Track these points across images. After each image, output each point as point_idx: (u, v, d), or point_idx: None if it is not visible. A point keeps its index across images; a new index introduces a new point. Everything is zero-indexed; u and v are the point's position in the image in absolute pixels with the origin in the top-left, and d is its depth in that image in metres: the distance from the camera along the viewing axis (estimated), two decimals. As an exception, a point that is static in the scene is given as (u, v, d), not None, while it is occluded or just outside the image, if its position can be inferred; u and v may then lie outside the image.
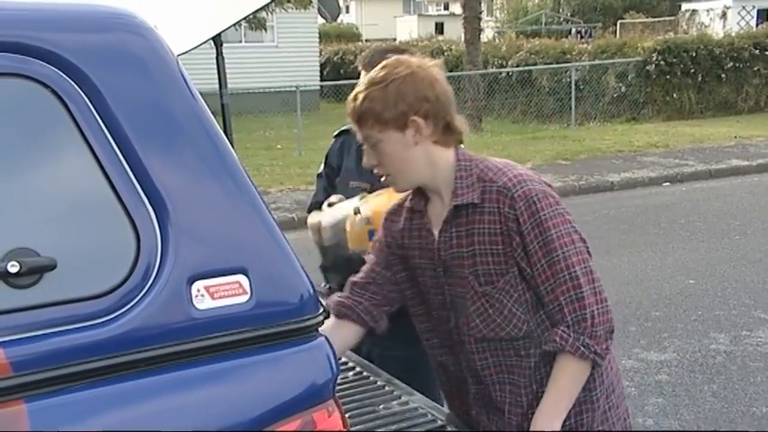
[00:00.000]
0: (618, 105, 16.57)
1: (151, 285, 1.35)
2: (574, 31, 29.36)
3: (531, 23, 31.84)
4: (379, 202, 2.34)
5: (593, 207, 9.32)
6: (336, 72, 21.49)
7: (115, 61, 1.39)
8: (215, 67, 2.82)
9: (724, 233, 7.79)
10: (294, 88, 14.56)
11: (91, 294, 1.32)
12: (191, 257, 1.38)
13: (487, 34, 27.18)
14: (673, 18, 27.75)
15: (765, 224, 8.10)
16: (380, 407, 2.23)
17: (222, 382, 1.38)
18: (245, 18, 3.10)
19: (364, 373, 2.46)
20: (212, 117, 1.47)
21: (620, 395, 2.08)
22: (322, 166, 2.94)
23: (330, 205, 2.63)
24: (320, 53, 22.64)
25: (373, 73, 1.93)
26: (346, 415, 1.58)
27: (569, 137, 14.40)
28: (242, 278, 1.41)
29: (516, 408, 1.99)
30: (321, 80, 20.72)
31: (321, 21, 22.32)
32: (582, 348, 1.84)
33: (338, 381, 1.54)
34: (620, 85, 16.56)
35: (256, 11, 3.04)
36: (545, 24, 31.34)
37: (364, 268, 2.15)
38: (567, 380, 1.90)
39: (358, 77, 2.71)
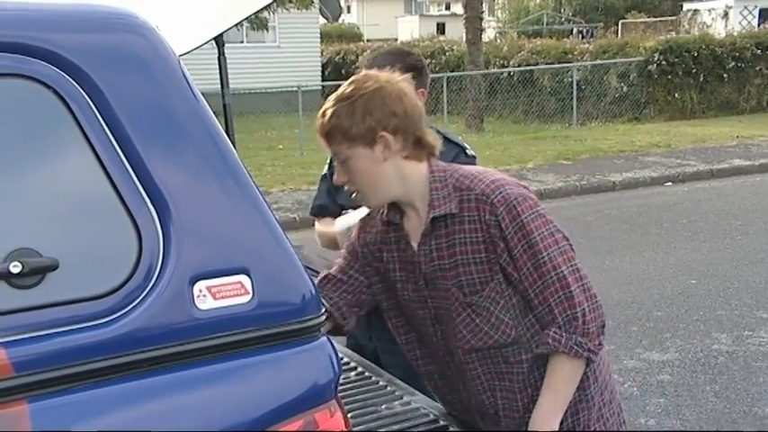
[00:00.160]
0: (620, 105, 16.56)
1: (153, 285, 1.35)
2: (575, 30, 29.33)
3: (532, 23, 31.82)
4: None
5: (594, 207, 9.32)
6: (338, 72, 21.46)
7: (117, 62, 1.40)
8: (217, 67, 2.82)
9: (726, 233, 7.78)
10: (296, 88, 14.57)
11: (93, 295, 1.32)
12: (193, 258, 1.38)
13: (489, 34, 27.17)
14: (674, 18, 27.72)
15: (767, 224, 8.09)
16: (382, 407, 2.23)
17: (224, 383, 1.38)
18: (246, 18, 3.10)
19: (366, 374, 2.46)
20: (214, 117, 1.47)
21: (612, 391, 2.08)
22: (326, 167, 2.92)
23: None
24: (322, 53, 22.64)
25: (341, 89, 1.91)
26: (348, 415, 1.58)
27: (571, 137, 14.39)
28: (244, 278, 1.41)
29: (512, 412, 1.99)
30: (323, 80, 20.71)
31: (323, 21, 22.33)
32: (576, 347, 1.85)
33: (340, 381, 1.55)
34: (622, 84, 16.55)
35: (258, 11, 3.04)
36: (546, 24, 31.32)
37: (337, 268, 2.12)
38: (562, 380, 1.90)
39: None
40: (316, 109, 1.92)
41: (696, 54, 16.43)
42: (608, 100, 16.64)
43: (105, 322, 1.32)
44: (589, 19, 31.81)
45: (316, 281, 2.10)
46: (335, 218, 2.64)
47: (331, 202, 2.76)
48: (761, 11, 23.43)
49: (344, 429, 1.48)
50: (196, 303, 1.37)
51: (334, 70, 22.04)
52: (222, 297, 1.39)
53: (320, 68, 21.95)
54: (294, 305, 1.46)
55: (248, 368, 1.41)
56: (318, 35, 22.40)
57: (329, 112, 1.88)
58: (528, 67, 17.34)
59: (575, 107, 15.87)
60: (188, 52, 2.49)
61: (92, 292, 1.32)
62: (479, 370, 1.99)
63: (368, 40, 30.85)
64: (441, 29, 36.36)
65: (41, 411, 1.26)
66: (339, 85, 2.00)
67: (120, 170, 1.36)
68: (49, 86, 1.35)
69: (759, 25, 21.43)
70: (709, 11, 24.87)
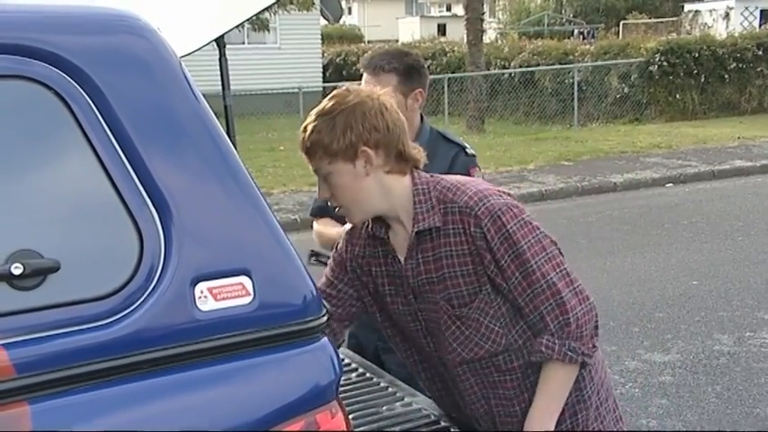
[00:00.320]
0: (621, 106, 16.55)
1: (154, 287, 1.35)
2: (576, 32, 29.32)
3: (533, 24, 31.82)
4: None
5: (596, 208, 9.31)
6: (339, 73, 21.49)
7: (118, 63, 1.40)
8: (218, 68, 2.82)
9: (727, 234, 7.78)
10: (297, 89, 14.59)
11: (94, 296, 1.33)
12: (194, 259, 1.38)
13: (490, 35, 27.18)
14: (675, 19, 27.72)
15: (769, 225, 8.09)
16: (383, 408, 2.23)
17: (225, 384, 1.39)
18: (247, 20, 3.10)
19: (367, 375, 2.46)
20: (215, 118, 1.47)
21: (608, 388, 2.08)
22: None
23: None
24: (323, 54, 22.64)
25: (322, 104, 1.90)
26: (349, 416, 1.59)
27: (572, 138, 14.39)
28: (245, 279, 1.41)
29: (510, 417, 1.98)
30: (324, 81, 20.71)
31: (323, 22, 22.32)
32: (569, 353, 1.84)
33: (341, 382, 1.55)
34: (623, 85, 16.55)
35: (259, 12, 3.04)
36: (547, 25, 31.32)
37: (324, 281, 2.09)
38: (557, 385, 1.90)
39: (360, 79, 2.71)
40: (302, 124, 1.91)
41: (697, 55, 16.43)
42: (609, 101, 16.63)
43: (106, 323, 1.32)
44: (590, 20, 31.80)
45: None
46: (334, 219, 2.64)
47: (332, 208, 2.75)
48: (762, 12, 23.43)
49: (345, 430, 1.48)
50: (197, 304, 1.37)
51: (336, 71, 22.06)
52: (223, 298, 1.39)
53: (321, 70, 21.95)
54: (295, 306, 1.46)
55: (249, 369, 1.41)
56: (319, 36, 22.40)
57: (310, 128, 1.86)
58: (529, 69, 17.34)
59: (576, 108, 15.87)
60: (189, 54, 2.49)
61: (93, 293, 1.33)
62: (472, 380, 1.98)
63: (369, 42, 30.86)
64: (442, 30, 36.36)
65: (43, 413, 1.26)
66: (340, 87, 1.99)
67: (122, 171, 1.37)
68: (50, 88, 1.35)
69: (760, 26, 21.44)
70: (711, 12, 24.87)
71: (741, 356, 4.86)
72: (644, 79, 16.41)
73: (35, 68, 1.34)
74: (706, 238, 7.66)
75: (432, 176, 1.95)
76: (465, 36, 16.76)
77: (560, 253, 1.91)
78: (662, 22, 27.69)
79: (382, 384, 2.38)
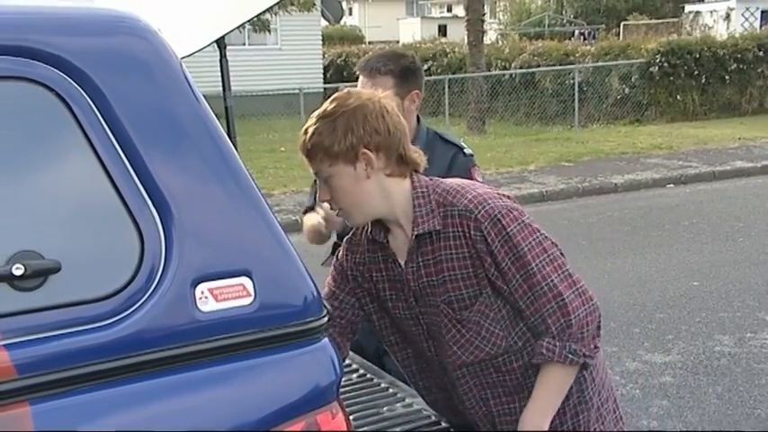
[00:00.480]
0: (621, 107, 16.55)
1: (155, 288, 1.35)
2: (577, 32, 29.31)
3: (534, 25, 31.81)
4: None
5: (596, 209, 9.31)
6: (340, 74, 21.48)
7: (119, 64, 1.40)
8: (219, 69, 2.82)
9: (728, 235, 7.77)
10: (297, 90, 14.59)
11: (95, 297, 1.33)
12: (194, 260, 1.38)
13: (490, 36, 27.16)
14: (676, 20, 27.71)
15: (769, 226, 8.09)
16: (384, 409, 2.23)
17: (226, 385, 1.39)
18: (248, 21, 3.10)
19: (368, 376, 2.46)
20: (216, 120, 1.48)
21: (609, 389, 2.08)
22: None
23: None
24: (323, 55, 22.64)
25: (323, 106, 1.90)
26: (350, 417, 1.59)
27: (573, 139, 14.39)
28: (246, 280, 1.41)
29: (509, 416, 1.98)
30: (324, 82, 20.71)
31: (324, 23, 22.33)
32: (570, 356, 1.84)
33: (342, 383, 1.55)
34: (624, 86, 16.54)
35: (260, 14, 3.04)
36: (548, 26, 31.31)
37: (326, 291, 2.09)
38: (555, 386, 1.90)
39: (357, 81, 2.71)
40: (303, 126, 1.91)
41: (698, 56, 16.43)
42: (610, 102, 16.63)
43: (107, 324, 1.32)
44: (591, 21, 31.79)
45: None
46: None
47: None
48: (763, 13, 23.42)
49: (346, 431, 1.49)
50: (198, 305, 1.37)
51: (336, 72, 22.05)
52: (224, 299, 1.39)
53: (322, 71, 21.95)
54: (296, 307, 1.46)
55: (250, 370, 1.41)
56: (320, 37, 22.40)
57: (310, 130, 1.86)
58: (530, 69, 17.34)
59: (576, 109, 15.86)
60: (190, 55, 2.50)
61: (94, 294, 1.33)
62: (471, 383, 1.98)
63: (369, 43, 30.86)
64: (442, 31, 36.36)
65: (44, 413, 1.26)
66: (341, 88, 1.99)
67: (122, 173, 1.37)
68: (51, 89, 1.35)
69: (761, 27, 21.43)
70: (711, 13, 24.86)
71: (742, 357, 4.85)
72: (645, 80, 16.41)
73: (36, 70, 1.34)
74: (707, 239, 7.66)
75: (431, 180, 1.95)
76: (466, 37, 16.76)
77: (562, 254, 1.91)
78: (662, 23, 27.68)
79: (383, 385, 2.38)
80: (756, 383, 4.48)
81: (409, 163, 1.91)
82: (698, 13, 25.83)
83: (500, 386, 1.97)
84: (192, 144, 1.43)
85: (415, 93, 2.64)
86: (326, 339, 1.50)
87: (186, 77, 1.46)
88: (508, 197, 1.93)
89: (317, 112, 1.90)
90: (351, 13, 46.26)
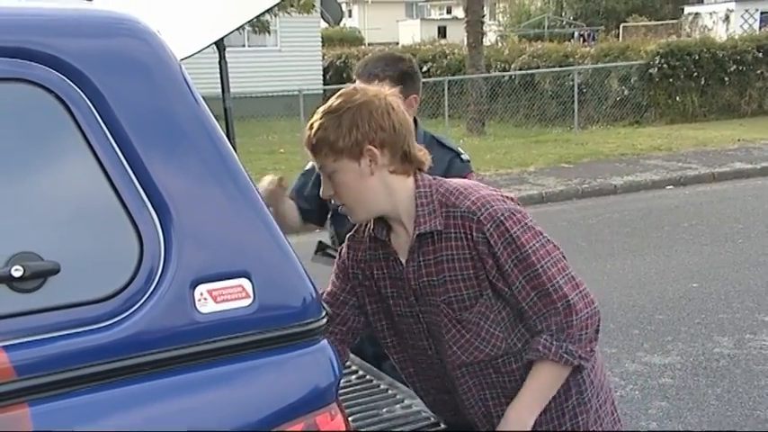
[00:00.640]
0: (621, 109, 16.55)
1: (154, 289, 1.36)
2: (576, 34, 29.32)
3: (533, 27, 31.83)
4: None
5: (596, 210, 9.32)
6: (339, 76, 21.47)
7: (118, 66, 1.40)
8: (218, 71, 2.83)
9: (727, 236, 7.78)
10: (297, 92, 14.57)
11: (94, 298, 1.33)
12: (194, 261, 1.38)
13: (490, 38, 27.19)
14: (675, 21, 27.73)
15: (769, 227, 8.09)
16: (383, 410, 2.23)
17: (225, 386, 1.39)
18: (247, 22, 3.10)
19: (367, 377, 2.46)
20: (215, 121, 1.48)
21: (607, 391, 2.09)
22: (309, 164, 2.95)
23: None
24: (323, 57, 22.64)
25: (329, 102, 1.91)
26: (349, 418, 1.59)
27: (572, 140, 14.39)
28: (245, 282, 1.41)
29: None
30: (324, 84, 20.70)
31: (324, 25, 22.32)
32: (566, 356, 1.84)
33: (341, 384, 1.55)
34: (623, 88, 16.54)
35: (259, 15, 3.04)
36: (548, 28, 31.32)
37: (327, 294, 2.09)
38: (545, 384, 1.90)
39: None
40: (309, 121, 1.92)
41: (697, 57, 16.43)
42: (609, 103, 16.63)
43: (107, 326, 1.32)
44: (590, 22, 31.81)
45: None
46: (301, 213, 2.81)
47: (297, 196, 2.88)
48: (762, 14, 23.43)
49: (345, 432, 1.49)
50: (197, 307, 1.37)
51: (336, 74, 22.05)
52: (223, 300, 1.40)
53: (322, 72, 21.95)
54: (295, 308, 1.46)
55: (249, 371, 1.41)
56: (320, 39, 22.40)
57: (316, 125, 1.87)
58: (529, 71, 17.34)
59: (576, 111, 15.86)
60: (189, 56, 2.50)
61: (93, 295, 1.33)
62: (470, 383, 1.98)
63: (369, 44, 30.86)
64: (442, 32, 36.35)
65: (43, 414, 1.26)
66: (340, 89, 1.99)
67: (122, 174, 1.37)
68: (50, 91, 1.35)
69: (760, 28, 21.44)
70: (711, 14, 24.89)
71: (741, 359, 4.86)
72: (644, 82, 16.41)
73: (35, 71, 1.34)
74: (706, 241, 7.66)
75: (435, 179, 1.95)
76: (465, 39, 16.75)
77: (564, 258, 1.91)
78: (662, 24, 27.70)
79: (382, 386, 2.38)
80: (756, 385, 4.48)
81: (413, 161, 1.91)
82: (697, 14, 25.86)
83: (499, 387, 1.97)
84: (191, 146, 1.43)
85: (413, 97, 2.64)
86: (325, 341, 1.50)
87: (185, 79, 1.46)
88: (511, 199, 1.93)
89: (323, 108, 1.90)
90: (350, 15, 46.28)
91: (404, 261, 1.95)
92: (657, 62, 16.18)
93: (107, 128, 1.37)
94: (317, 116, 1.89)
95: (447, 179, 1.98)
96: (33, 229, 1.33)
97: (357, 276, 2.05)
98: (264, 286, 1.42)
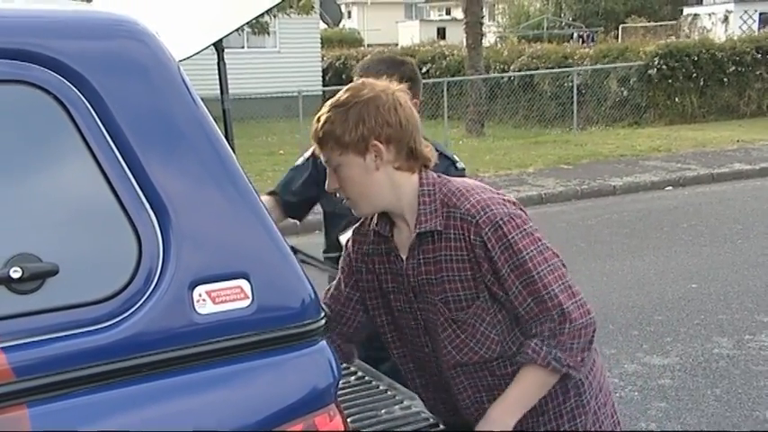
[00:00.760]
0: (620, 110, 16.56)
1: (153, 290, 1.36)
2: (576, 35, 29.34)
3: (532, 28, 31.84)
4: None
5: (595, 211, 9.32)
6: (339, 77, 21.48)
7: (117, 68, 1.40)
8: (216, 72, 2.83)
9: (727, 237, 7.78)
10: (296, 93, 14.59)
11: (93, 299, 1.33)
12: (192, 262, 1.38)
13: (489, 39, 27.19)
14: (674, 22, 27.74)
15: (768, 228, 8.10)
16: (382, 411, 2.23)
17: (224, 387, 1.39)
18: (246, 24, 3.10)
19: (366, 378, 2.46)
20: (214, 122, 1.48)
21: (606, 393, 2.08)
22: (300, 158, 2.97)
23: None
24: (322, 58, 22.64)
25: (338, 95, 1.92)
26: (348, 419, 1.59)
27: (571, 141, 14.40)
28: (243, 283, 1.41)
29: None
30: (323, 85, 20.71)
31: (323, 26, 22.34)
32: (554, 362, 1.83)
33: (340, 385, 1.55)
34: (623, 89, 16.55)
35: (258, 16, 3.05)
36: (547, 29, 31.33)
37: (334, 285, 2.11)
38: (530, 388, 1.89)
39: None
40: (316, 114, 1.93)
41: (696, 58, 16.44)
42: (608, 104, 16.64)
43: (105, 327, 1.32)
44: (589, 23, 31.82)
45: None
46: (280, 203, 2.84)
47: (284, 190, 2.92)
48: (761, 15, 23.45)
49: (344, 433, 1.49)
50: (196, 308, 1.38)
51: (335, 75, 22.06)
52: (222, 301, 1.40)
53: (321, 73, 21.96)
54: (293, 309, 1.46)
55: (248, 372, 1.41)
56: (319, 40, 22.41)
57: (323, 118, 1.88)
58: (528, 72, 17.35)
59: (575, 111, 15.87)
60: (188, 58, 2.50)
61: (92, 296, 1.33)
62: (465, 383, 1.98)
63: (368, 46, 30.88)
64: (441, 34, 36.35)
65: (42, 416, 1.26)
66: (340, 91, 2.00)
67: (120, 175, 1.37)
68: (49, 92, 1.36)
69: (759, 29, 21.45)
70: (710, 15, 24.90)
71: (740, 359, 4.86)
72: (643, 83, 16.42)
73: (34, 73, 1.35)
74: (705, 242, 7.67)
75: (439, 177, 1.95)
76: (464, 40, 16.76)
77: (563, 266, 1.90)
78: (661, 25, 27.72)
79: (381, 387, 2.38)
80: (755, 385, 4.49)
81: (419, 158, 1.92)
82: (696, 15, 25.87)
83: (495, 389, 1.97)
84: (189, 147, 1.43)
85: (414, 101, 2.65)
86: (324, 342, 1.50)
87: (184, 80, 1.47)
88: (513, 203, 1.92)
89: (331, 101, 1.91)
90: (350, 16, 46.30)
91: (404, 257, 1.96)
92: (656, 63, 16.19)
93: (106, 129, 1.38)
94: (324, 109, 1.90)
95: (453, 178, 1.98)
96: (32, 230, 1.33)
97: (360, 270, 2.06)
98: (263, 287, 1.43)
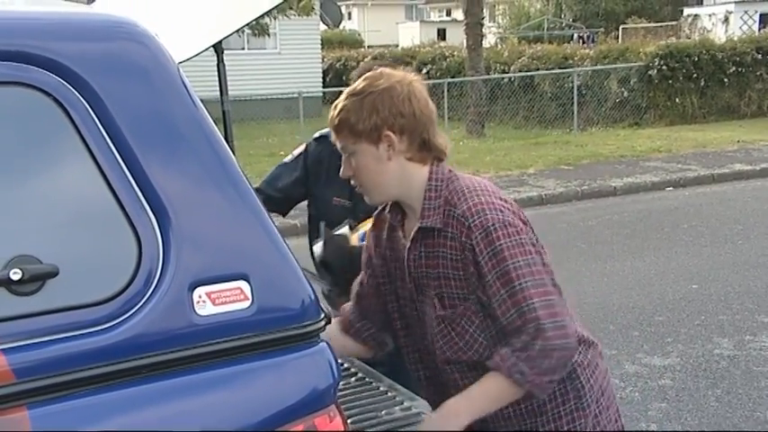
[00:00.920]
0: (620, 110, 16.56)
1: (153, 292, 1.36)
2: (576, 36, 29.35)
3: (533, 29, 31.85)
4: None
5: (595, 212, 9.31)
6: (339, 78, 21.45)
7: (117, 69, 1.40)
8: (216, 74, 2.83)
9: (727, 238, 7.78)
10: (297, 95, 14.60)
11: (93, 301, 1.33)
12: (192, 264, 1.38)
13: (490, 40, 27.18)
14: (675, 23, 27.73)
15: (768, 228, 8.09)
16: (382, 412, 2.23)
17: (224, 388, 1.39)
18: (246, 25, 3.11)
19: (366, 379, 2.46)
20: (213, 124, 1.48)
21: (609, 397, 2.06)
22: (289, 157, 2.98)
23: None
24: (323, 60, 22.65)
25: (355, 83, 1.94)
26: (348, 420, 1.59)
27: (572, 142, 14.39)
28: (243, 284, 1.41)
29: (500, 420, 1.98)
30: (324, 86, 20.72)
31: (323, 27, 22.33)
32: (516, 375, 1.80)
33: (340, 386, 1.55)
34: (623, 90, 16.55)
35: (258, 18, 3.05)
36: (547, 30, 31.33)
37: (357, 291, 2.14)
38: (492, 392, 1.86)
39: None
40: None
41: (697, 59, 16.44)
42: (609, 105, 16.63)
43: (105, 328, 1.32)
44: (590, 24, 31.82)
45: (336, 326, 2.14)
46: (266, 199, 2.82)
47: (268, 186, 3.00)
48: (761, 16, 23.44)
49: (344, 434, 1.49)
50: (196, 309, 1.38)
51: (336, 77, 22.05)
52: (222, 303, 1.40)
53: (321, 75, 21.96)
54: (293, 311, 1.46)
55: (248, 373, 1.41)
56: (319, 41, 22.41)
57: (339, 105, 1.91)
58: (529, 73, 17.35)
59: (575, 112, 15.87)
60: (188, 59, 2.50)
61: (92, 298, 1.33)
62: (459, 382, 1.98)
63: (369, 47, 30.88)
64: (441, 35, 36.35)
65: (42, 417, 1.26)
66: (340, 92, 2.01)
67: (120, 177, 1.37)
68: (49, 94, 1.36)
69: (759, 30, 21.44)
70: (710, 16, 24.88)
71: (741, 360, 4.85)
72: (643, 83, 16.42)
73: (34, 75, 1.35)
74: (706, 242, 7.66)
75: (450, 172, 1.95)
76: (465, 41, 16.76)
77: (553, 285, 1.87)
78: (661, 26, 27.72)
79: (382, 388, 2.38)
80: (755, 386, 4.48)
81: (433, 149, 1.93)
82: (696, 16, 25.85)
83: None
84: (189, 148, 1.43)
85: None
86: (324, 342, 1.50)
87: (184, 82, 1.47)
88: (513, 212, 1.89)
89: (348, 89, 1.94)
90: (350, 18, 46.31)
91: (407, 247, 1.97)
92: (657, 64, 16.18)
93: (105, 131, 1.38)
94: (342, 97, 1.94)
95: (463, 175, 1.98)
96: (32, 232, 1.33)
97: (379, 255, 2.09)
98: (263, 288, 1.43)
